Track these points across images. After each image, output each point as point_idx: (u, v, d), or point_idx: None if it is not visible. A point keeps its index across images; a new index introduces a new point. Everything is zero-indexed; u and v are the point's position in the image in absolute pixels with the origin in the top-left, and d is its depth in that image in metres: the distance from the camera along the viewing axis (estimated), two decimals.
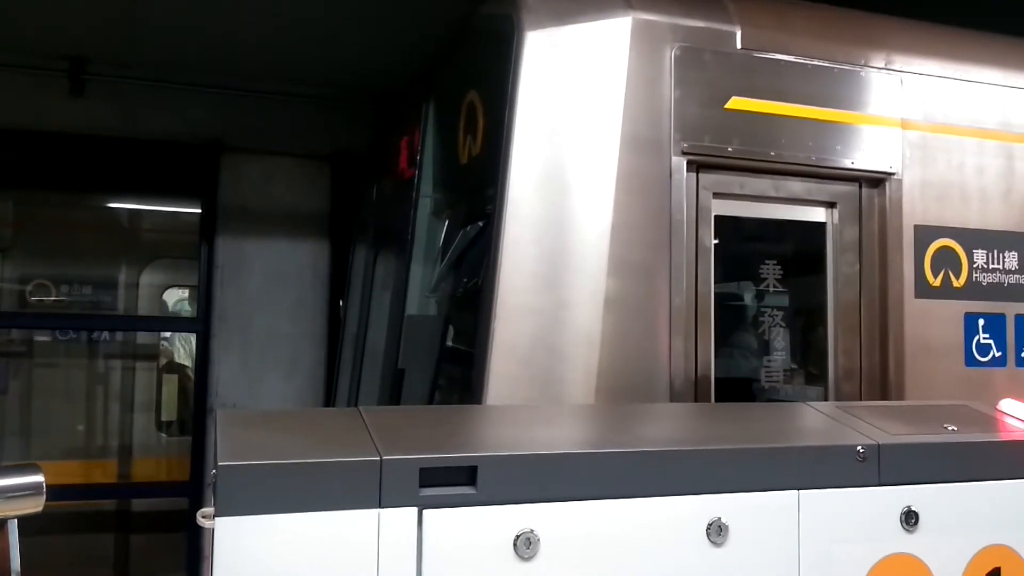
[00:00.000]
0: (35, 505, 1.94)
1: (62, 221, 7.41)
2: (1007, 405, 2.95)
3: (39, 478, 1.94)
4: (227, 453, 1.93)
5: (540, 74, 3.40)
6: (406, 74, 5.29)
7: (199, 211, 6.65)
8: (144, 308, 7.73)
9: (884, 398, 3.78)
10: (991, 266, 3.99)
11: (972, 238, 3.96)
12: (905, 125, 3.88)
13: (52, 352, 7.56)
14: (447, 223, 4.48)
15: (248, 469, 1.90)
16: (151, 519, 7.29)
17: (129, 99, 6.28)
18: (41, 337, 7.48)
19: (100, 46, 5.97)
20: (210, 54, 5.98)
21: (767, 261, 3.87)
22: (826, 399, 3.81)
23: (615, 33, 3.47)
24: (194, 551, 6.01)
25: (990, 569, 2.54)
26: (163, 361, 8.07)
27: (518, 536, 2.05)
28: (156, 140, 6.39)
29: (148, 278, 7.74)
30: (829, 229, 3.89)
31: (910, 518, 2.44)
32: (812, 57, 3.76)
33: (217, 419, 2.20)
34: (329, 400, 6.25)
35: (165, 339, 8.19)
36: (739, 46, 3.66)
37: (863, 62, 3.86)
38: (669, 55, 3.52)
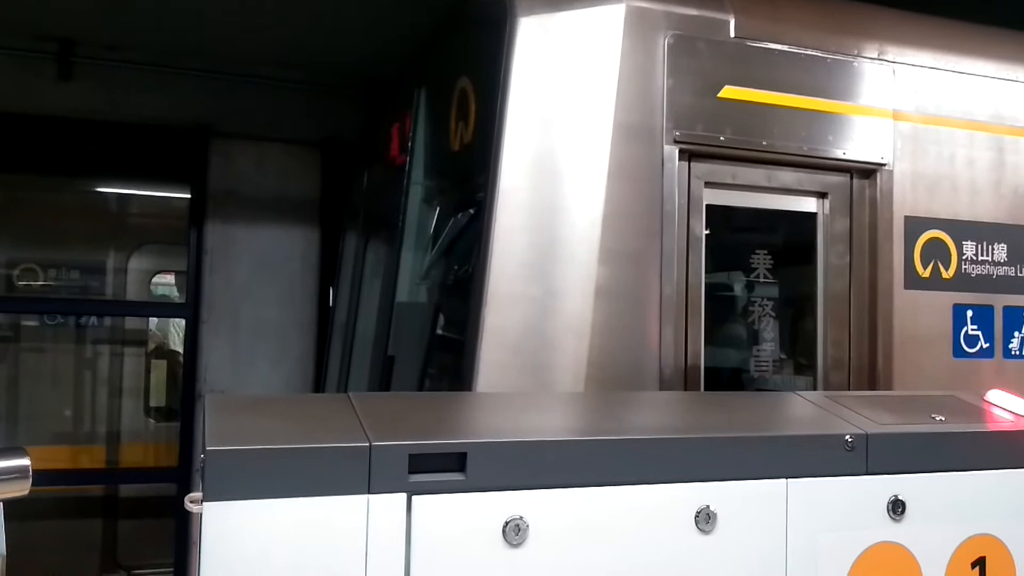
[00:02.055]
0: (21, 489, 1.92)
1: (50, 205, 7.34)
2: (994, 396, 2.97)
3: (25, 461, 1.93)
4: (215, 438, 1.92)
5: (532, 61, 3.38)
6: (398, 60, 5.26)
7: (188, 196, 6.61)
8: (133, 293, 7.68)
9: (872, 388, 3.79)
10: (980, 258, 4.00)
11: (962, 230, 3.97)
12: (897, 116, 3.88)
13: (39, 337, 7.51)
14: (438, 210, 4.46)
15: (236, 454, 1.89)
16: (139, 505, 7.27)
17: (118, 83, 6.23)
18: (28, 322, 7.44)
19: (89, 29, 5.92)
20: (200, 38, 5.94)
21: (758, 251, 3.88)
22: (815, 389, 3.82)
23: (608, 20, 3.45)
24: (182, 537, 6.00)
25: (975, 558, 2.56)
26: (152, 346, 8.02)
27: (507, 523, 2.05)
28: (145, 124, 6.34)
29: (136, 263, 7.69)
30: (820, 219, 3.89)
31: (897, 507, 2.46)
32: (805, 47, 3.75)
33: (206, 404, 2.19)
34: (318, 387, 6.23)
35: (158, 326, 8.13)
36: (733, 35, 3.64)
37: (856, 52, 3.86)
38: (662, 43, 3.50)
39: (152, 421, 7.69)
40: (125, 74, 6.22)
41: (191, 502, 1.90)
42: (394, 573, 1.97)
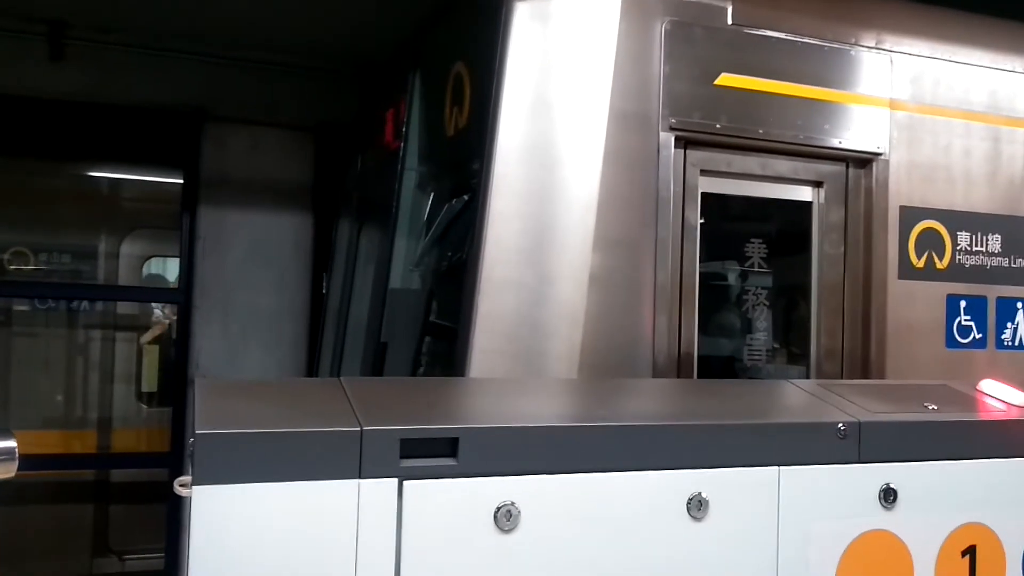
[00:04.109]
0: (6, 471, 1.90)
1: (41, 188, 7.29)
2: (987, 385, 2.97)
3: (11, 443, 1.90)
4: (205, 421, 1.91)
5: (528, 46, 3.36)
6: (393, 44, 5.23)
7: (181, 181, 6.57)
8: (124, 278, 7.65)
9: (866, 378, 3.79)
10: (974, 248, 4.00)
11: (956, 220, 3.98)
12: (893, 105, 3.87)
13: (30, 321, 7.47)
14: (432, 196, 4.45)
15: (226, 438, 1.87)
16: (131, 490, 7.26)
17: (110, 65, 6.17)
18: (20, 306, 7.39)
19: (81, 10, 5.85)
20: (194, 21, 5.88)
21: (752, 240, 3.87)
22: (808, 378, 3.82)
23: (605, 6, 3.43)
24: (174, 522, 5.99)
25: (966, 546, 2.57)
26: (154, 333, 7.95)
27: (499, 508, 2.05)
28: (137, 107, 6.29)
29: (129, 248, 7.65)
30: (815, 209, 3.89)
31: (888, 495, 2.46)
32: (803, 35, 3.74)
33: (195, 388, 2.17)
34: (311, 373, 6.23)
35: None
36: (730, 22, 3.62)
37: (853, 41, 3.84)
38: (659, 29, 3.48)
39: (144, 406, 7.66)
40: (118, 57, 6.16)
41: (180, 486, 1.89)
42: (385, 558, 1.96)
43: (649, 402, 2.86)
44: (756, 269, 3.87)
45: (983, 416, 2.79)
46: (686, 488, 2.24)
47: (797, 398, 2.79)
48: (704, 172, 3.64)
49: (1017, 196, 4.11)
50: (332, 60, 6.39)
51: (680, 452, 2.27)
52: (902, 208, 3.87)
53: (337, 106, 6.42)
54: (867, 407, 2.60)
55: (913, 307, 3.86)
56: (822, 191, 3.86)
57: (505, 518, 2.05)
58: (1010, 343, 4.06)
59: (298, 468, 1.90)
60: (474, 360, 3.17)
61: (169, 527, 6.13)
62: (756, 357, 3.89)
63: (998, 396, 2.91)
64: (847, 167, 3.88)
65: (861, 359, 3.83)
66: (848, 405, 2.60)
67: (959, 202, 3.98)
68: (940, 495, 2.55)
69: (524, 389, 2.84)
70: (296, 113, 6.56)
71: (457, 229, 3.94)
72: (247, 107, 6.47)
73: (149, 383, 7.72)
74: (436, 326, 4.07)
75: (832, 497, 2.42)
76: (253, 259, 6.54)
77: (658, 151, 3.46)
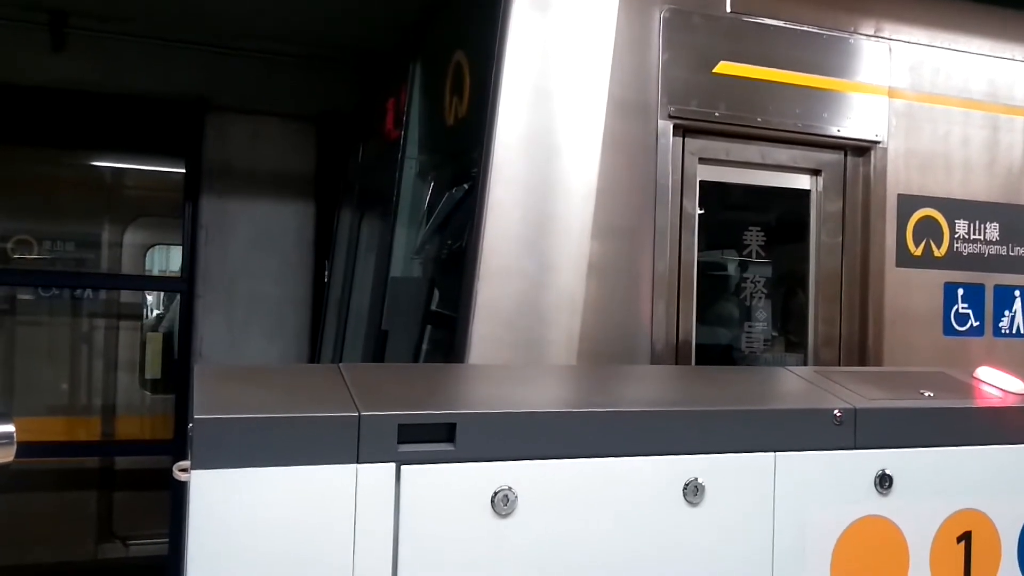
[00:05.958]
0: (5, 455, 1.91)
1: (44, 177, 7.31)
2: (983, 372, 2.98)
3: (9, 428, 1.91)
4: (204, 406, 1.92)
5: (527, 34, 3.36)
6: (394, 33, 5.23)
7: (183, 170, 6.59)
8: (128, 267, 7.68)
9: (863, 365, 3.80)
10: (972, 236, 4.01)
11: (954, 208, 3.98)
12: (892, 93, 3.87)
13: (35, 309, 7.51)
14: (432, 185, 4.46)
15: (224, 423, 1.89)
16: (135, 477, 7.31)
17: (112, 55, 6.18)
18: (24, 295, 7.43)
19: (82, 0, 5.87)
20: (196, 10, 5.88)
21: (751, 228, 3.88)
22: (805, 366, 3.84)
23: None
24: (177, 508, 6.04)
25: (961, 532, 2.59)
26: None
27: (496, 493, 2.07)
28: (140, 97, 6.30)
29: (131, 236, 7.68)
30: (813, 197, 3.89)
31: (884, 481, 2.48)
32: (801, 23, 3.73)
33: (194, 373, 2.19)
34: (313, 361, 6.25)
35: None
36: (728, 10, 3.62)
37: (852, 29, 3.84)
38: (658, 17, 3.48)
39: (148, 394, 7.70)
40: (119, 46, 6.17)
41: (180, 471, 1.91)
42: (382, 543, 1.98)
43: (646, 388, 2.88)
44: (754, 258, 3.88)
45: (979, 403, 2.79)
46: (682, 473, 2.25)
47: (793, 384, 2.80)
48: (703, 160, 3.64)
49: (1015, 184, 4.11)
50: (333, 50, 6.39)
51: (676, 438, 2.28)
52: (900, 196, 3.88)
53: (338, 96, 6.43)
54: (863, 393, 2.61)
55: (910, 295, 3.87)
56: (820, 179, 3.87)
57: (502, 503, 2.07)
58: (1007, 331, 4.07)
59: (296, 453, 1.92)
60: (474, 347, 3.19)
61: (172, 513, 6.18)
62: (754, 345, 3.90)
63: (994, 383, 2.91)
64: (845, 155, 3.88)
65: (858, 347, 3.84)
66: (844, 392, 2.61)
67: (957, 190, 3.99)
68: (936, 481, 2.56)
69: (522, 375, 2.85)
70: (298, 103, 6.57)
71: (457, 218, 3.94)
72: (249, 97, 6.49)
73: (152, 370, 7.76)
74: (437, 314, 4.09)
75: (828, 483, 2.43)
76: (255, 248, 6.57)
77: (657, 139, 3.47)
